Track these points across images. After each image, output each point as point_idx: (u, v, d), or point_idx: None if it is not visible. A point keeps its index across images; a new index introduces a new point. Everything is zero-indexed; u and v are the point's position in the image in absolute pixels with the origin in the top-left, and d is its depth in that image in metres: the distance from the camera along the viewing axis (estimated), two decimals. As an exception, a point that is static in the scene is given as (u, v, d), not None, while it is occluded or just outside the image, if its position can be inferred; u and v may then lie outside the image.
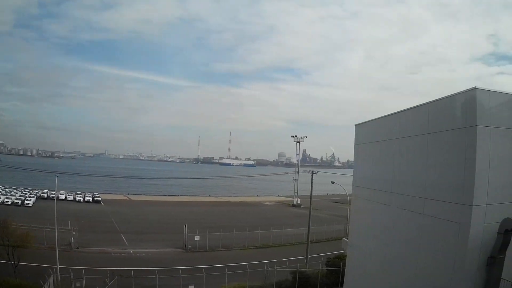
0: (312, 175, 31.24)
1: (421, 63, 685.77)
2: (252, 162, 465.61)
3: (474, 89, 11.18)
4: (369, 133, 18.60)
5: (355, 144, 19.93)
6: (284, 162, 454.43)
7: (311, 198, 33.08)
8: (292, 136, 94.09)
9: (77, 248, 41.12)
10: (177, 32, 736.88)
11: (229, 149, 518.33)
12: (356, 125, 19.64)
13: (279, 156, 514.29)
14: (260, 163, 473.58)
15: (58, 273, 28.08)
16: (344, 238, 23.14)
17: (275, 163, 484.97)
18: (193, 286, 25.49)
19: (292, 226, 50.50)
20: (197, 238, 41.90)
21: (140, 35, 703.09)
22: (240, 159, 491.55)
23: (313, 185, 32.61)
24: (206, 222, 57.39)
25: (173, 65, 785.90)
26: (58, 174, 33.73)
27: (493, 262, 10.99)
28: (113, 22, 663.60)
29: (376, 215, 16.96)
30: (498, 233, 10.87)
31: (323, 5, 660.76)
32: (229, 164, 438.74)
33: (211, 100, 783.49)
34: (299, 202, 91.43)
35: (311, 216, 33.07)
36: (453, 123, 12.01)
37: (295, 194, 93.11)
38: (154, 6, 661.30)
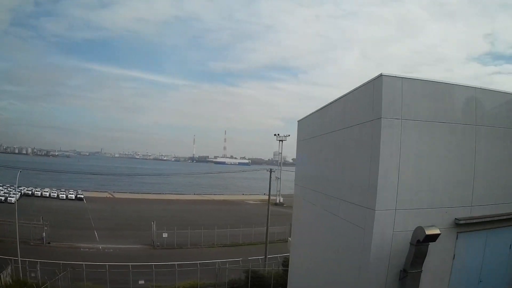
0: (270, 174, 31.53)
1: (418, 62, 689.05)
2: (247, 161, 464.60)
3: (380, 76, 9.66)
4: (306, 129, 17.52)
5: (297, 141, 18.95)
6: (279, 161, 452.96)
7: (269, 197, 33.33)
8: (275, 135, 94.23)
9: (49, 243, 41.32)
10: (173, 31, 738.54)
11: (224, 148, 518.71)
12: (298, 121, 18.67)
13: (274, 155, 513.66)
14: (255, 162, 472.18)
15: (19, 264, 28.80)
16: (289, 238, 23.14)
17: (270, 162, 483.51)
18: (143, 281, 25.75)
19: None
20: (165, 235, 41.29)
21: (136, 34, 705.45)
22: (235, 158, 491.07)
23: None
24: (183, 219, 56.32)
25: (170, 64, 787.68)
26: (21, 170, 34.19)
27: (406, 276, 9.47)
28: (110, 21, 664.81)
29: (307, 214, 16.23)
30: (410, 243, 9.37)
31: (319, 4, 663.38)
32: (223, 163, 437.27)
33: (207, 99, 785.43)
34: (281, 200, 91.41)
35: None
36: (362, 116, 10.54)
37: (278, 192, 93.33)
38: (150, 4, 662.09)
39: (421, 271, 9.53)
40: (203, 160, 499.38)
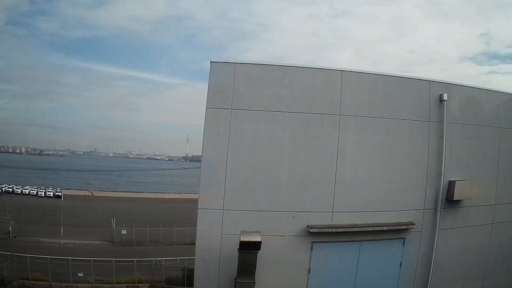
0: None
1: (413, 62, 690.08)
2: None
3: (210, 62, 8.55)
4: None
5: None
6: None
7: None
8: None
9: (15, 237, 41.72)
10: (167, 29, 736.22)
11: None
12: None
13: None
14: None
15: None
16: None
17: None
18: (82, 274, 26.91)
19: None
20: (123, 232, 41.39)
21: (131, 32, 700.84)
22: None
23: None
24: (152, 217, 56.23)
25: (165, 63, 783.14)
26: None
27: (235, 286, 8.34)
28: (104, 20, 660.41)
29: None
30: (238, 249, 8.14)
31: (313, 4, 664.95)
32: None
33: (202, 99, 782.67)
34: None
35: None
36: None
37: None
38: (144, 3, 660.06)
39: (253, 283, 8.32)
40: (196, 159, 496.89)
